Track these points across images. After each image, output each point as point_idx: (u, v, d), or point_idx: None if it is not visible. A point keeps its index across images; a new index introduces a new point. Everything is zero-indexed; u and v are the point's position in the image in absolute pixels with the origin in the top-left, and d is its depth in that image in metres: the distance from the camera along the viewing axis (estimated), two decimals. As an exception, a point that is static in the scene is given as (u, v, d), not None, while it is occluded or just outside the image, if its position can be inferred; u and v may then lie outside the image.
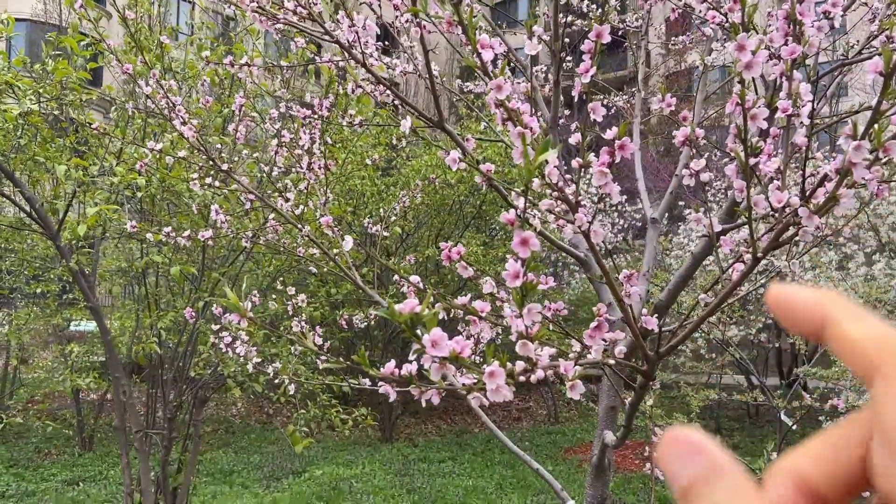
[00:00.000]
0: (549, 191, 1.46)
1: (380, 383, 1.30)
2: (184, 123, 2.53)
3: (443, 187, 7.21)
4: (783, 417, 4.59)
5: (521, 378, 1.30)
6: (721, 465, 0.27)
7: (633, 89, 3.32)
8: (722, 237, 1.83)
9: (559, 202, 1.54)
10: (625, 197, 10.78)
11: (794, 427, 4.59)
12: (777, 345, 9.37)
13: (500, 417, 10.08)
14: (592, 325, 1.35)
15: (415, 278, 1.47)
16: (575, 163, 1.54)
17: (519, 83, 2.32)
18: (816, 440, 0.29)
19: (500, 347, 1.47)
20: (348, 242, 1.90)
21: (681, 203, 8.22)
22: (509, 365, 1.24)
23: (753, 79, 1.43)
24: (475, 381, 1.17)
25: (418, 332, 1.01)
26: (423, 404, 1.22)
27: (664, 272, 8.16)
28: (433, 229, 8.11)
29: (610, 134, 1.33)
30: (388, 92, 2.23)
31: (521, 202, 1.20)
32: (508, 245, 8.26)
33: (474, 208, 8.04)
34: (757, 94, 1.41)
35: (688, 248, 8.66)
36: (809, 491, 0.28)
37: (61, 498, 6.20)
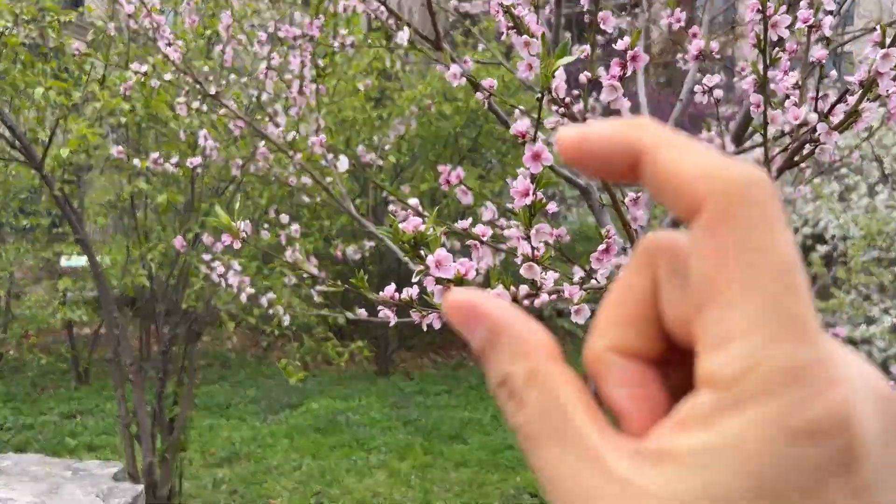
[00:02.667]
0: (554, 107, 1.38)
1: (379, 310, 1.24)
2: (169, 45, 2.41)
3: (438, 119, 7.06)
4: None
5: (525, 302, 1.24)
6: (502, 324, 0.25)
7: (637, 10, 3.20)
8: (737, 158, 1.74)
9: (566, 120, 1.45)
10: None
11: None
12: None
13: (495, 351, 10.13)
14: (601, 247, 1.28)
15: (414, 201, 1.40)
16: (583, 76, 1.45)
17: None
18: (605, 310, 0.27)
19: (503, 272, 1.40)
20: (343, 163, 1.82)
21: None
22: (513, 288, 1.17)
23: None
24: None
25: (422, 252, 0.95)
26: (425, 329, 1.16)
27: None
28: (428, 162, 7.99)
29: (621, 44, 1.23)
30: (382, 8, 2.12)
31: (529, 115, 1.12)
32: (505, 178, 8.16)
33: (470, 141, 7.90)
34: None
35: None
36: (629, 359, 0.25)
37: (59, 430, 6.24)
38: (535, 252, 1.17)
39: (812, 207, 6.34)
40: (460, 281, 1.03)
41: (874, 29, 2.34)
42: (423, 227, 0.91)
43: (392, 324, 1.18)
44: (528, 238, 1.12)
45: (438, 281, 1.01)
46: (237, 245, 1.19)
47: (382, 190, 6.36)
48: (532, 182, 1.01)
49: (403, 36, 1.38)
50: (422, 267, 0.96)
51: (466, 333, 0.26)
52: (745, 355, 0.20)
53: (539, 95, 1.00)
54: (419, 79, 7.19)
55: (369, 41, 3.02)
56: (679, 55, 2.95)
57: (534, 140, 1.01)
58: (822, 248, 6.06)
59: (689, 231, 0.22)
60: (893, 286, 5.44)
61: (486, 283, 1.13)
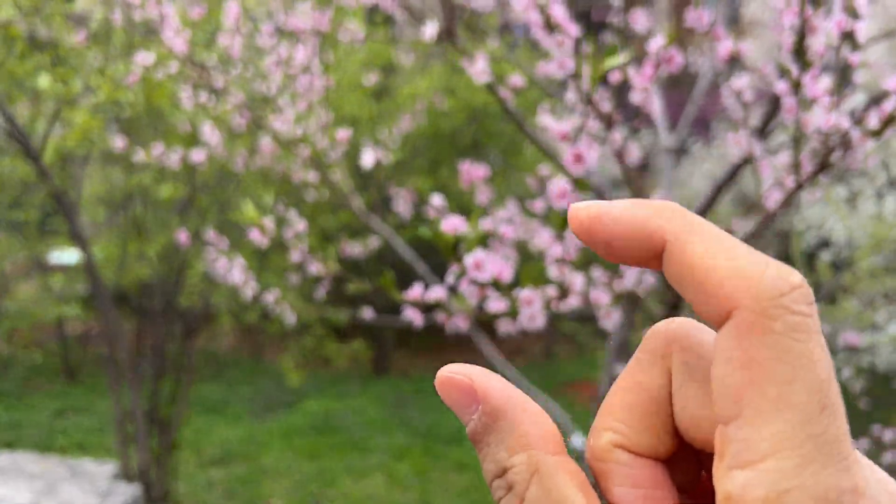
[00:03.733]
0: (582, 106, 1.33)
1: (402, 310, 1.19)
2: (175, 35, 2.35)
3: (439, 115, 7.01)
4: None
5: (554, 306, 1.19)
6: (501, 408, 0.23)
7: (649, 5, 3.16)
8: (763, 163, 1.70)
9: (595, 119, 1.40)
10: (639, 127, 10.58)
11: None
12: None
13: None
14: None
15: (438, 200, 1.35)
16: (613, 77, 1.40)
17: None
18: (611, 400, 0.25)
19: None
20: (368, 158, 1.77)
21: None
22: (542, 290, 1.13)
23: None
24: (506, 307, 1.06)
25: (460, 253, 0.91)
26: (420, 325, 1.11)
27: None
28: (427, 159, 7.93)
29: (654, 45, 1.19)
30: (393, 3, 2.07)
31: (572, 117, 1.08)
32: (505, 175, 8.10)
33: (471, 137, 7.86)
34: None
35: (691, 182, 8.54)
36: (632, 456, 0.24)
37: (50, 429, 6.17)
38: (567, 254, 1.12)
39: (817, 211, 6.31)
40: (496, 283, 0.98)
41: (888, 35, 2.29)
42: (463, 229, 0.86)
43: (417, 322, 1.13)
44: (561, 240, 1.07)
45: (473, 282, 0.96)
46: (264, 241, 1.14)
47: (383, 186, 6.31)
48: (571, 183, 0.96)
49: (430, 29, 1.33)
50: (458, 268, 0.91)
51: (460, 414, 0.25)
52: (775, 479, 0.19)
53: (586, 98, 0.95)
54: (420, 74, 7.13)
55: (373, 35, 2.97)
56: (692, 55, 2.91)
57: (574, 141, 0.96)
58: (827, 254, 6.03)
59: (716, 333, 0.21)
60: (897, 293, 5.42)
61: (514, 284, 1.08)
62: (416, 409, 7.10)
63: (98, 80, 2.96)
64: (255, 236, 1.19)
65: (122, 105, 2.91)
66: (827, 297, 5.41)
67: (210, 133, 2.46)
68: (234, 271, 2.37)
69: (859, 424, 6.17)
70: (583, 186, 0.98)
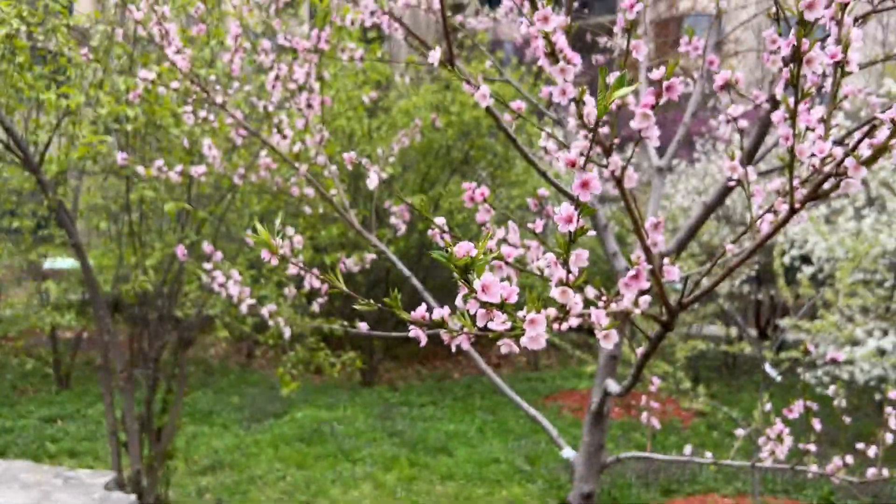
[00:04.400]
0: (583, 132, 1.38)
1: (409, 327, 1.23)
2: (177, 52, 2.40)
3: (430, 131, 7.08)
4: (768, 369, 4.63)
5: (555, 326, 1.24)
6: None
7: (640, 32, 3.22)
8: (756, 188, 1.76)
9: (594, 145, 1.46)
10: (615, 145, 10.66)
11: (778, 378, 4.64)
12: (758, 296, 9.48)
13: (479, 363, 10.12)
14: (630, 273, 1.29)
15: (440, 220, 1.40)
16: (613, 104, 1.46)
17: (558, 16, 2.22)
18: None
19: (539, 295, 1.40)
20: (373, 180, 1.81)
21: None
22: (544, 311, 1.18)
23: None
24: (510, 327, 1.10)
25: (469, 276, 0.95)
26: (454, 349, 1.16)
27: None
28: (419, 173, 8.00)
29: (657, 74, 1.24)
30: (396, 25, 2.13)
31: (580, 143, 1.13)
32: (496, 192, 8.18)
33: (462, 153, 7.93)
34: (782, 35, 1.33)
35: (675, 198, 8.65)
36: None
37: (40, 435, 6.15)
38: (570, 276, 1.18)
39: (799, 229, 6.40)
40: (503, 305, 1.03)
41: (874, 62, 2.37)
42: (474, 253, 0.91)
43: (422, 341, 1.18)
44: (565, 263, 1.12)
45: (483, 304, 1.01)
46: (275, 262, 1.18)
47: (375, 201, 6.35)
48: (577, 209, 1.01)
49: (435, 55, 1.38)
50: (467, 291, 0.96)
51: None
52: None
53: (592, 128, 1.01)
54: (413, 91, 7.20)
55: (369, 55, 3.03)
56: (682, 77, 2.98)
57: (583, 168, 1.01)
58: (808, 270, 6.12)
59: None
60: (877, 308, 5.51)
61: (519, 306, 1.13)
62: (404, 420, 7.12)
63: (97, 93, 2.99)
64: (265, 256, 1.24)
65: (125, 119, 2.95)
66: (808, 312, 5.51)
67: (209, 148, 2.50)
68: (230, 284, 2.41)
69: (844, 438, 6.25)
70: (588, 211, 1.04)
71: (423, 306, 1.19)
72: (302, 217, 4.48)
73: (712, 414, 7.21)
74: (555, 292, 1.16)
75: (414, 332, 1.20)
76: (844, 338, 5.27)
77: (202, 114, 2.55)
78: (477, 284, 0.93)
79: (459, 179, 7.94)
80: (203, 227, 3.77)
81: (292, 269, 2.49)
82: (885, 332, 5.03)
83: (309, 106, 2.50)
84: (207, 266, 2.64)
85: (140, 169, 2.48)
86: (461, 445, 6.32)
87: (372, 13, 2.19)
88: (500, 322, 1.10)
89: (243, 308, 2.54)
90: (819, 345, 5.60)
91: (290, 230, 2.62)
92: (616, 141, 1.45)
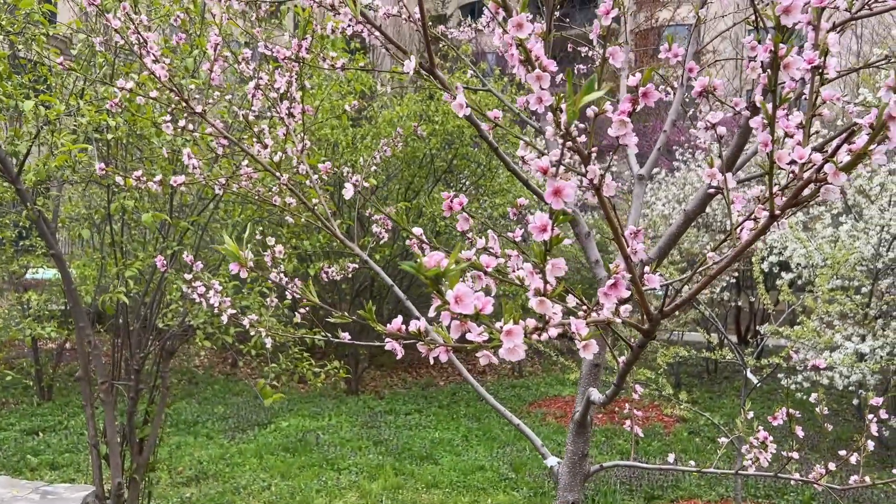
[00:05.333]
0: (561, 140, 1.38)
1: (385, 340, 1.23)
2: (155, 61, 2.38)
3: (414, 140, 7.08)
4: (749, 375, 4.65)
5: (534, 337, 1.24)
6: None
7: (620, 41, 3.24)
8: (735, 194, 1.77)
9: (571, 153, 1.46)
10: (594, 154, 10.71)
11: (759, 384, 4.66)
12: (738, 303, 9.52)
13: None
14: (609, 282, 1.29)
15: (418, 230, 1.39)
16: (590, 111, 1.46)
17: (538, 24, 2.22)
18: None
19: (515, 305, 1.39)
20: (349, 190, 1.81)
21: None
22: (523, 322, 1.17)
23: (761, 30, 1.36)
24: (488, 338, 1.10)
25: (442, 287, 0.94)
26: (432, 360, 1.15)
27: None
28: (403, 182, 8.00)
29: (633, 80, 1.25)
30: (376, 33, 2.12)
31: (562, 150, 1.13)
32: (480, 200, 8.18)
33: (445, 162, 7.93)
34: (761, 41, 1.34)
35: (655, 206, 8.69)
36: None
37: (21, 448, 6.08)
38: (548, 287, 1.18)
39: (778, 236, 6.45)
40: (478, 315, 1.03)
41: (851, 70, 2.39)
42: (445, 264, 0.90)
43: (398, 353, 1.18)
44: (542, 273, 1.12)
45: (456, 316, 1.01)
46: (244, 273, 1.17)
47: (359, 210, 6.33)
48: (551, 217, 1.01)
49: (410, 65, 1.37)
50: (440, 302, 0.96)
51: None
52: None
53: (563, 133, 1.01)
54: (397, 100, 7.20)
55: (352, 63, 3.02)
56: (662, 86, 3.00)
57: (555, 176, 1.01)
58: (786, 276, 6.17)
59: None
60: (855, 314, 5.55)
61: (497, 316, 1.13)
62: (389, 428, 7.10)
63: (77, 103, 2.97)
64: (234, 268, 1.23)
65: (105, 129, 2.92)
66: (788, 318, 5.54)
67: (189, 158, 2.48)
68: (211, 295, 2.39)
69: (826, 444, 6.29)
70: (563, 220, 1.04)
71: (399, 318, 1.18)
72: (286, 227, 4.47)
73: (694, 420, 7.23)
74: (533, 302, 1.15)
75: (390, 344, 1.19)
76: (824, 343, 5.31)
77: (181, 123, 2.53)
78: (450, 295, 0.93)
79: (443, 188, 7.95)
80: (186, 238, 3.74)
81: (275, 278, 2.48)
82: (863, 338, 5.07)
83: (290, 115, 2.48)
84: (188, 276, 2.62)
85: (119, 179, 2.45)
86: (446, 453, 6.30)
87: (351, 21, 2.18)
88: (477, 333, 1.10)
89: (224, 318, 2.52)
90: (799, 350, 5.64)
91: (270, 240, 2.61)
92: (594, 149, 1.46)
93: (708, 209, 7.89)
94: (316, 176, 2.76)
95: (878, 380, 5.47)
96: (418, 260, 0.90)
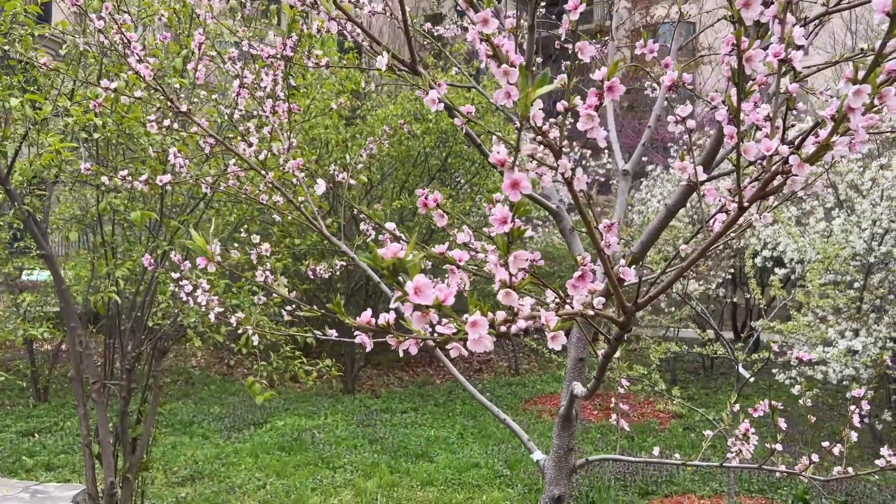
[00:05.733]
0: (531, 135, 1.40)
1: (355, 333, 1.24)
2: (140, 61, 2.39)
3: (408, 138, 7.08)
4: (741, 370, 4.67)
5: (503, 329, 1.25)
6: None
7: (607, 38, 3.25)
8: (705, 186, 1.78)
9: (543, 147, 1.48)
10: (588, 151, 10.76)
11: (752, 379, 4.67)
12: (733, 299, 9.54)
13: (462, 369, 10.15)
14: (576, 274, 1.30)
15: (390, 225, 1.41)
16: (560, 105, 1.48)
17: (507, 18, 2.23)
18: None
19: (481, 297, 1.41)
20: (320, 186, 1.82)
21: (644, 159, 8.24)
22: (490, 314, 1.18)
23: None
24: (455, 330, 1.11)
25: (400, 279, 0.96)
26: (401, 353, 1.16)
27: (626, 227, 8.19)
28: (398, 181, 8.01)
29: (599, 74, 1.26)
30: (358, 30, 2.13)
31: (505, 142, 1.14)
32: (475, 199, 8.20)
33: (440, 161, 7.94)
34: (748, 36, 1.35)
35: (650, 203, 8.71)
36: None
37: (16, 449, 6.09)
38: (513, 278, 1.19)
39: (771, 231, 6.46)
40: (439, 307, 1.04)
41: (834, 63, 2.41)
42: (402, 254, 0.91)
43: (367, 346, 1.19)
44: (505, 265, 1.13)
45: (417, 307, 1.02)
46: (211, 268, 1.18)
47: (352, 208, 6.35)
48: (511, 210, 1.02)
49: (382, 60, 1.39)
50: (400, 293, 0.97)
51: None
52: None
53: (517, 125, 1.02)
54: (390, 99, 7.22)
55: (343, 62, 3.03)
56: (647, 83, 3.01)
57: (512, 168, 1.02)
58: (780, 271, 6.18)
59: None
60: (848, 309, 5.56)
61: (464, 308, 1.14)
62: (384, 427, 7.11)
63: (65, 103, 2.98)
64: (202, 263, 1.24)
65: (93, 128, 2.93)
66: (782, 313, 5.56)
67: (175, 157, 2.49)
68: (199, 293, 2.41)
69: (812, 437, 6.31)
70: (523, 213, 1.05)
71: (368, 311, 1.19)
72: (277, 225, 4.48)
73: (689, 415, 7.25)
74: (500, 294, 1.17)
75: (360, 337, 1.20)
76: (817, 338, 5.32)
77: (166, 123, 2.54)
78: (409, 286, 0.94)
79: (438, 186, 7.96)
80: (176, 237, 3.75)
81: (260, 277, 2.50)
82: (857, 333, 5.08)
83: (274, 113, 2.50)
84: (175, 276, 2.63)
85: (105, 179, 2.47)
86: (442, 451, 6.32)
87: (331, 19, 2.19)
88: (446, 326, 1.11)
89: (212, 316, 2.54)
90: (795, 346, 5.65)
91: (255, 238, 2.63)
92: (565, 144, 1.47)
93: (704, 206, 7.89)
94: (302, 174, 2.77)
95: (871, 374, 5.49)
96: (373, 252, 0.91)
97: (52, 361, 7.98)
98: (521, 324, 1.29)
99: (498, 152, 1.79)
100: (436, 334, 1.12)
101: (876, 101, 1.26)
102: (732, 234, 2.59)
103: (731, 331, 10.39)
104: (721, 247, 8.03)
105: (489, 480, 5.63)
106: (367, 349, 1.18)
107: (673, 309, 8.00)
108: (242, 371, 9.54)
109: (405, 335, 1.18)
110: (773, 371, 6.16)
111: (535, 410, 7.71)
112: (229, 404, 7.90)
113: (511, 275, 1.15)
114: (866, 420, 6.04)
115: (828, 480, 2.31)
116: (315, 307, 2.40)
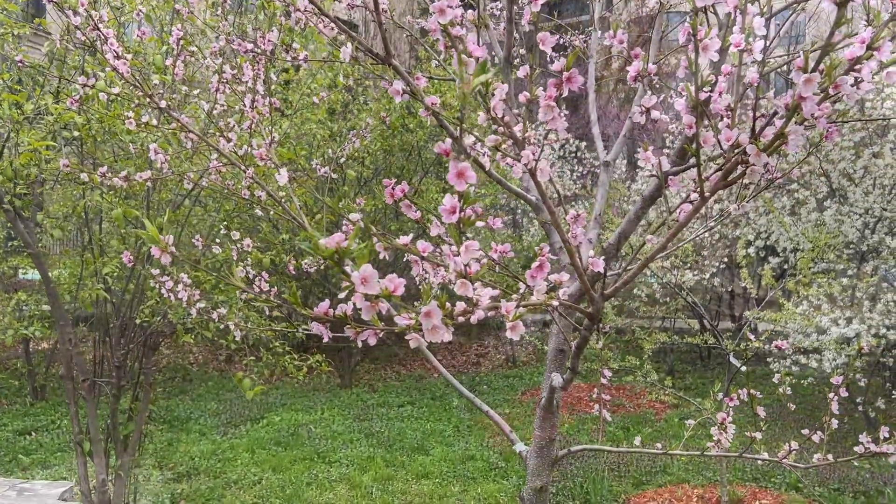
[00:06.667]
0: (494, 126, 1.40)
1: (314, 326, 1.24)
2: (117, 57, 2.39)
3: (401, 132, 7.08)
4: (732, 359, 4.67)
5: (461, 319, 1.26)
6: None
7: (589, 28, 3.25)
8: (670, 177, 1.79)
9: (507, 139, 1.48)
10: (584, 143, 10.77)
11: (743, 368, 4.68)
12: (730, 289, 9.54)
13: (460, 362, 10.16)
14: (534, 264, 1.31)
15: (355, 216, 1.41)
16: (522, 97, 1.48)
17: (468, 11, 2.23)
18: None
19: (442, 288, 1.41)
20: (282, 177, 1.83)
21: (639, 149, 8.23)
22: (448, 305, 1.19)
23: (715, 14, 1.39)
24: (412, 321, 1.12)
25: (347, 268, 0.96)
26: (369, 343, 1.17)
27: (621, 218, 8.19)
28: (391, 175, 8.00)
29: (557, 66, 1.26)
30: (332, 25, 2.13)
31: (460, 133, 1.14)
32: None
33: (433, 154, 7.94)
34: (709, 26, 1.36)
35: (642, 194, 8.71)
36: None
37: (12, 448, 6.11)
38: (468, 269, 1.19)
39: (764, 221, 6.46)
40: (388, 297, 1.04)
41: (799, 54, 2.41)
42: (346, 243, 0.92)
43: (325, 339, 1.19)
44: (459, 254, 1.14)
45: (366, 297, 1.02)
46: (166, 259, 1.19)
47: (342, 201, 6.34)
48: (458, 200, 1.03)
49: (346, 52, 1.39)
50: (347, 283, 0.98)
51: None
52: None
53: (457, 116, 1.02)
54: (382, 93, 7.20)
55: (331, 57, 3.03)
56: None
57: (457, 158, 1.03)
58: (773, 260, 6.18)
59: None
60: (842, 297, 5.56)
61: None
62: (382, 420, 7.13)
63: (49, 101, 2.98)
64: (156, 253, 1.24)
65: (75, 126, 2.93)
66: (772, 303, 5.56)
67: (155, 153, 2.50)
68: (179, 289, 2.41)
69: (816, 426, 6.31)
70: (471, 201, 1.06)
71: (326, 302, 1.20)
72: (267, 221, 4.49)
73: (685, 406, 7.26)
74: (456, 285, 1.17)
75: (316, 328, 1.21)
76: (811, 326, 5.33)
77: (144, 118, 2.54)
78: (356, 276, 0.94)
79: (433, 179, 7.96)
80: (163, 233, 3.75)
81: (240, 272, 2.50)
82: (849, 321, 5.09)
83: (253, 107, 2.50)
84: (155, 272, 2.64)
85: (84, 176, 2.47)
86: (438, 444, 6.33)
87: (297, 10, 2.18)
88: (405, 317, 1.12)
89: (193, 311, 2.55)
90: (789, 335, 5.66)
91: (235, 234, 2.63)
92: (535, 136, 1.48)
93: (668, 196, 7.92)
94: (283, 169, 2.77)
95: (863, 362, 5.49)
96: (312, 240, 0.91)
97: (48, 360, 8.00)
98: (480, 314, 1.29)
99: (455, 136, 1.79)
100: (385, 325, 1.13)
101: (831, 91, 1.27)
102: (713, 224, 2.59)
103: (731, 320, 10.39)
104: (717, 236, 8.03)
105: (484, 472, 5.64)
106: (326, 339, 1.18)
107: (668, 300, 8.01)
108: (239, 367, 9.56)
109: (363, 326, 1.18)
110: (769, 360, 6.17)
111: (531, 402, 7.72)
112: (226, 400, 7.91)
113: (466, 265, 1.15)
114: (860, 408, 6.05)
115: (808, 468, 2.32)
116: (281, 303, 2.41)
